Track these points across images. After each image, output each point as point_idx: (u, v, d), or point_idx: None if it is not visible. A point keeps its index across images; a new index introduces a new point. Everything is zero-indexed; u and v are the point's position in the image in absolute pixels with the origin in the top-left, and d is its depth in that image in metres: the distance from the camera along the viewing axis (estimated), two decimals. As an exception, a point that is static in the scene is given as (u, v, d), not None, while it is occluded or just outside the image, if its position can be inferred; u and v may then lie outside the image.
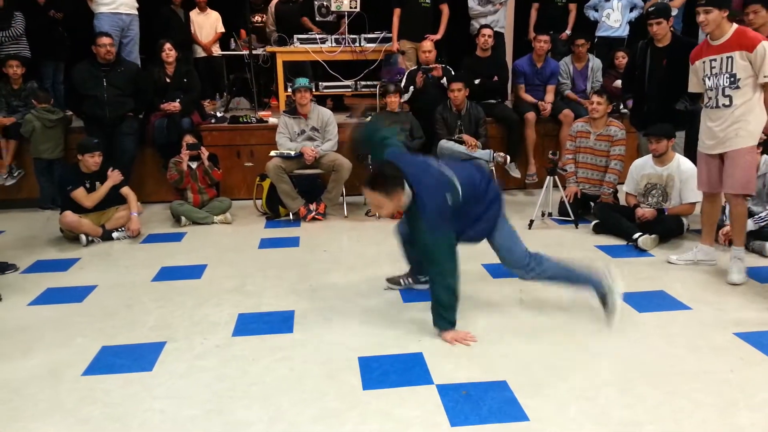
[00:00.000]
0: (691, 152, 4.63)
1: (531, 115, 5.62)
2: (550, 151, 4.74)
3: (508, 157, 5.13)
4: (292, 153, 4.93)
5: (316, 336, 2.94)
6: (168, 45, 5.36)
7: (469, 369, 2.59)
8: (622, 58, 5.95)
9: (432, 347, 2.79)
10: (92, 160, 4.44)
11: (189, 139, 4.95)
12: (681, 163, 4.24)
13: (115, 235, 4.53)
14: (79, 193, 4.41)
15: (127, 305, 3.35)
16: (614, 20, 6.51)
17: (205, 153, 4.97)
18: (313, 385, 2.49)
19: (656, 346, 2.79)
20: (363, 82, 6.40)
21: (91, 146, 4.46)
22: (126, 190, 4.65)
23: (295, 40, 6.28)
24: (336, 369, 2.62)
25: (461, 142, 5.07)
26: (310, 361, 2.69)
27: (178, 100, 5.31)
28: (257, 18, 7.10)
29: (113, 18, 5.73)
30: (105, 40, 5.09)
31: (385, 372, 2.59)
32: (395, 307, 3.27)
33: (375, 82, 6.25)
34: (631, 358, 2.68)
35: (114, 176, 4.53)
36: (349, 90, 6.50)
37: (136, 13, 5.91)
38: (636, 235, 4.13)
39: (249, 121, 5.76)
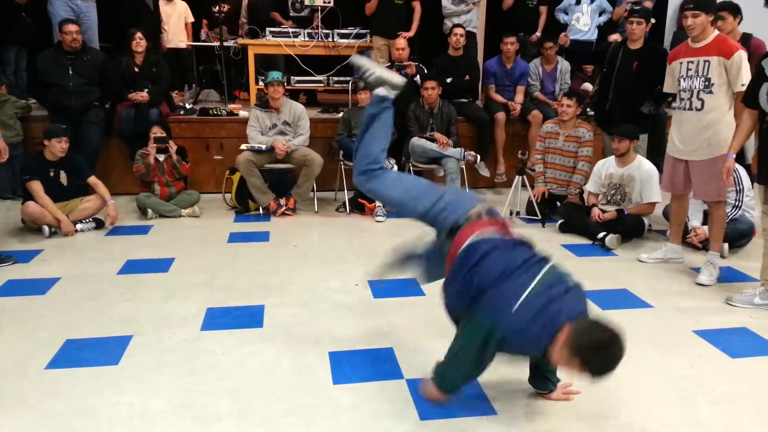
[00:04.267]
0: (653, 155, 4.78)
1: (501, 115, 5.70)
2: (519, 151, 4.81)
3: (478, 156, 5.19)
4: (263, 147, 4.89)
5: (286, 331, 2.94)
6: (139, 34, 5.25)
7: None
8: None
9: (401, 342, 2.82)
10: (59, 146, 4.33)
11: (157, 131, 4.87)
12: (642, 164, 4.36)
13: (78, 226, 4.43)
14: (35, 186, 4.26)
15: (92, 298, 3.29)
16: (583, 24, 6.64)
17: (173, 146, 4.90)
18: (283, 380, 2.49)
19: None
20: (335, 78, 6.39)
21: (59, 131, 4.36)
22: (93, 180, 4.55)
23: (267, 33, 6.23)
24: (306, 364, 2.62)
25: (433, 139, 5.10)
26: (280, 356, 2.69)
27: (147, 90, 5.22)
28: (222, 7, 6.96)
29: (67, 3, 5.54)
30: (71, 27, 4.96)
31: (356, 367, 2.60)
32: (366, 303, 3.29)
33: (348, 78, 6.25)
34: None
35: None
36: (322, 85, 6.48)
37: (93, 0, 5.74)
38: (601, 235, 4.23)
39: (219, 113, 5.69)
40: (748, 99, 3.19)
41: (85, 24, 5.59)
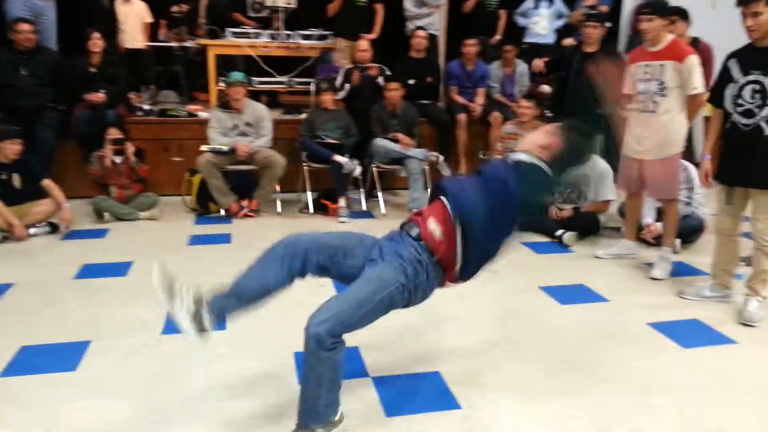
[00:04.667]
0: (607, 155, 4.91)
1: (462, 117, 5.78)
2: (481, 152, 4.89)
3: (441, 157, 5.25)
4: (225, 148, 4.84)
5: (251, 333, 2.90)
6: (96, 34, 5.13)
7: (403, 361, 2.64)
8: (540, 65, 6.20)
9: (368, 341, 2.82)
10: (11, 147, 4.20)
11: (113, 133, 4.77)
12: (596, 163, 4.48)
13: (32, 231, 4.30)
14: None
15: (48, 304, 3.20)
16: (542, 27, 6.78)
17: (130, 148, 4.80)
18: (249, 382, 2.48)
19: (577, 335, 2.95)
20: (298, 79, 6.37)
21: (11, 133, 4.23)
22: (48, 183, 4.42)
23: (228, 33, 6.16)
24: (272, 365, 2.61)
25: (395, 140, 5.14)
26: (245, 358, 2.67)
27: (103, 91, 5.10)
28: (181, 7, 6.86)
29: (25, 3, 5.40)
30: (24, 26, 4.81)
31: (321, 366, 2.60)
32: (330, 303, 3.28)
33: (310, 80, 6.23)
34: (555, 348, 2.82)
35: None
36: (284, 86, 6.45)
37: None
38: (559, 232, 4.33)
39: (178, 114, 5.60)
40: (715, 99, 3.25)
41: (43, 24, 5.44)
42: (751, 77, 3.01)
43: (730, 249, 3.30)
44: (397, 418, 2.25)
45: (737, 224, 3.26)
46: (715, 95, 3.25)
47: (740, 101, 3.06)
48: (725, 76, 3.16)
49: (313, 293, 3.37)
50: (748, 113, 3.03)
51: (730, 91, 3.12)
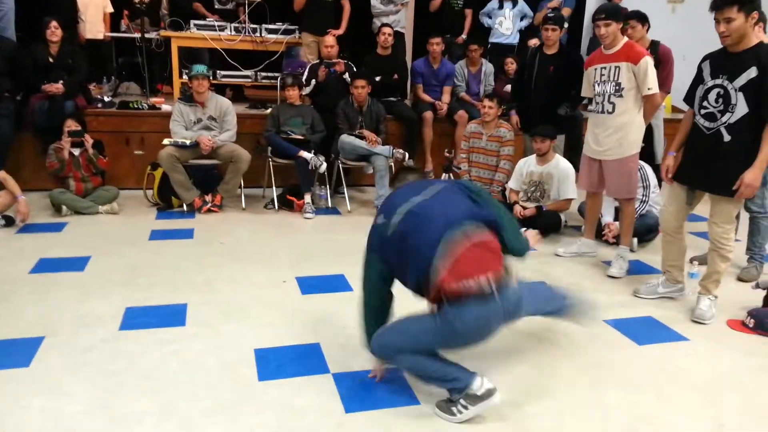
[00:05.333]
0: (570, 154, 5.02)
1: (428, 114, 5.81)
2: (446, 150, 4.93)
3: (407, 154, 5.26)
4: (188, 142, 4.77)
5: (210, 329, 2.89)
6: (54, 23, 4.99)
7: (363, 358, 2.64)
8: (510, 64, 6.30)
9: (328, 338, 2.83)
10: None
11: (71, 125, 4.65)
12: (560, 162, 4.57)
13: (-14, 224, 4.18)
14: None
15: (2, 299, 3.11)
16: (506, 28, 6.86)
17: (89, 140, 4.69)
18: (206, 378, 2.45)
19: (535, 332, 2.99)
20: (263, 74, 6.31)
21: None
22: (3, 175, 4.28)
23: (191, 25, 6.07)
24: (231, 361, 2.59)
25: (362, 137, 5.14)
26: (203, 354, 2.64)
27: (62, 81, 4.97)
28: None
29: None
30: (-23, 13, 4.66)
31: (282, 363, 2.60)
32: (293, 299, 3.28)
33: (276, 74, 6.18)
34: (512, 343, 2.86)
35: None
36: (249, 81, 6.38)
37: None
38: (522, 230, 4.38)
39: (140, 107, 5.49)
40: (689, 99, 3.28)
41: (1, 11, 5.26)
42: (717, 81, 3.03)
43: (677, 245, 3.40)
44: (356, 414, 2.26)
45: (682, 222, 3.36)
46: (689, 95, 3.26)
47: (705, 104, 3.09)
48: (697, 77, 3.18)
49: (274, 289, 3.38)
50: (711, 116, 3.07)
51: (698, 93, 3.15)
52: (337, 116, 5.27)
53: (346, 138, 5.13)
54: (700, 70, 3.18)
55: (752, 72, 2.89)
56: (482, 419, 2.26)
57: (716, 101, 3.03)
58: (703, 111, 3.11)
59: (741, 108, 2.93)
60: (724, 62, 3.03)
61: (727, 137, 3.00)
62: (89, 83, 5.86)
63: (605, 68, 3.72)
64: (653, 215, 4.39)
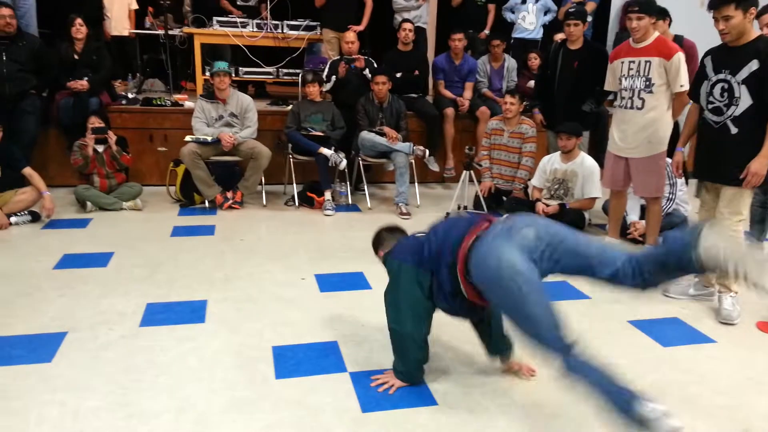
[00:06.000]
0: (595, 151, 4.93)
1: (450, 111, 5.76)
2: (467, 147, 4.87)
3: (427, 151, 5.23)
4: (209, 139, 4.80)
5: (229, 326, 2.90)
6: (79, 20, 5.06)
7: (381, 356, 2.63)
8: (534, 59, 6.22)
9: (347, 336, 2.82)
10: (-9, 135, 4.15)
11: (95, 122, 4.71)
12: (585, 160, 4.49)
13: (13, 219, 4.25)
14: None
15: (26, 294, 3.16)
16: (529, 23, 6.77)
17: (112, 137, 4.75)
18: (223, 375, 2.46)
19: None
20: (285, 70, 6.32)
21: None
22: (29, 171, 4.36)
23: (214, 22, 6.10)
24: (249, 359, 2.59)
25: (382, 134, 5.11)
26: (221, 352, 2.65)
27: (87, 78, 5.04)
28: None
29: None
30: (4, 11, 4.72)
31: (299, 361, 2.59)
32: (311, 297, 3.27)
33: (297, 71, 6.19)
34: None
35: None
36: (271, 77, 6.40)
37: None
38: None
39: (163, 104, 5.54)
40: (693, 94, 3.31)
41: (21, 9, 5.34)
42: (720, 76, 3.07)
43: None
44: (373, 414, 2.24)
45: None
46: (693, 90, 3.32)
47: (711, 98, 3.12)
48: (701, 73, 3.21)
49: (293, 287, 3.38)
50: (717, 111, 3.10)
51: (703, 88, 3.18)
52: (357, 113, 5.25)
53: (366, 134, 5.12)
54: (703, 65, 3.20)
55: (753, 65, 2.94)
56: (495, 416, 2.22)
57: (721, 95, 3.07)
58: (710, 106, 3.13)
59: (745, 100, 2.99)
60: (725, 57, 3.07)
61: (733, 129, 3.04)
62: (114, 80, 5.93)
63: (633, 62, 3.64)
64: (680, 214, 4.30)
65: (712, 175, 3.21)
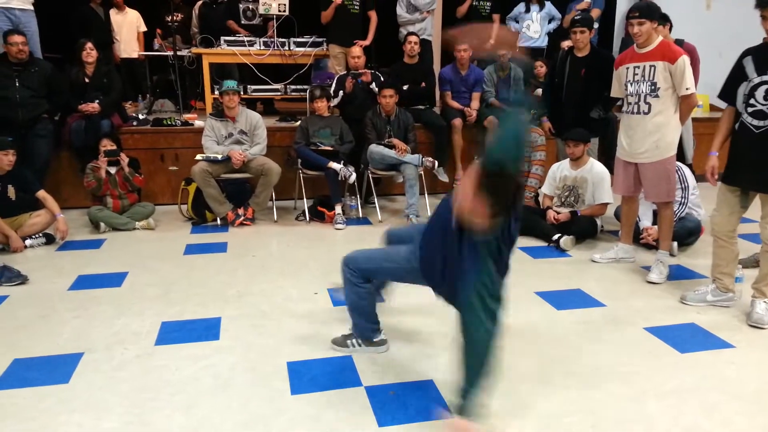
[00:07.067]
0: (604, 158, 4.91)
1: (458, 121, 5.77)
2: (476, 156, 4.87)
3: (436, 162, 5.24)
4: (219, 157, 4.84)
5: (244, 343, 2.90)
6: (89, 45, 5.14)
7: (397, 370, 2.62)
8: (540, 68, 6.22)
9: (361, 350, 2.81)
10: (5, 159, 4.20)
11: (106, 144, 4.77)
12: (594, 166, 4.47)
13: (28, 242, 4.30)
14: None
15: (42, 316, 3.19)
16: (534, 31, 6.79)
17: (124, 158, 4.80)
18: (239, 392, 2.46)
19: (573, 341, 2.93)
20: (293, 87, 6.37)
21: (5, 144, 4.22)
22: (42, 194, 4.42)
23: (222, 41, 6.17)
24: (264, 375, 2.59)
25: (391, 146, 5.13)
26: (236, 369, 2.65)
27: (97, 101, 5.11)
28: (176, 17, 6.86)
29: (4, 13, 5.34)
30: (17, 38, 4.81)
31: (314, 376, 2.59)
32: (325, 312, 3.27)
33: (305, 87, 6.23)
34: (549, 353, 2.80)
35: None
36: (279, 94, 6.45)
37: (32, 8, 5.44)
38: (556, 236, 4.31)
39: (173, 123, 5.60)
40: (726, 96, 3.18)
41: (25, 35, 5.43)
42: (765, 77, 2.92)
43: (730, 251, 3.26)
44: (389, 428, 2.23)
45: (735, 226, 3.23)
46: (727, 92, 3.16)
47: (752, 101, 2.97)
48: (738, 74, 3.05)
49: (306, 302, 3.38)
50: (760, 114, 2.95)
51: (742, 90, 3.02)
52: (365, 126, 5.27)
53: (374, 147, 5.13)
54: (741, 66, 3.05)
55: None
56: (518, 430, 2.21)
57: (765, 98, 2.91)
58: (750, 109, 2.98)
59: None
60: None
61: None
62: (124, 102, 6.00)
63: (638, 67, 3.63)
64: (693, 218, 4.26)
65: (755, 184, 3.05)
